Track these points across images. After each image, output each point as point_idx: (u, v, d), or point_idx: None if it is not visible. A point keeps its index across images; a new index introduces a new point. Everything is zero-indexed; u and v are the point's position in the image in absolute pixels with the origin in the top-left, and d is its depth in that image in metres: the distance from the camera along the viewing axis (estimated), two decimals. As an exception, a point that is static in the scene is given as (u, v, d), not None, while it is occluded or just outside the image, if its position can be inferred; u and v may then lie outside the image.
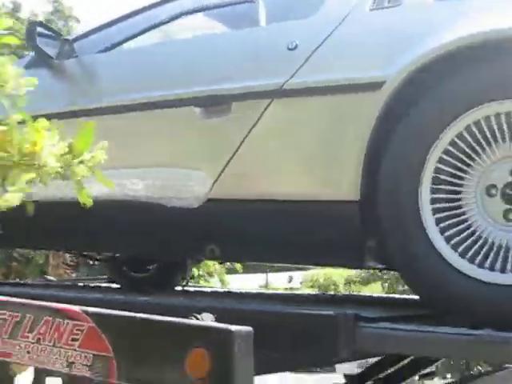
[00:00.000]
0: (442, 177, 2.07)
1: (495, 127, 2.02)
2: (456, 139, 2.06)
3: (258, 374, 1.62)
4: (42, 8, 20.37)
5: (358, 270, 18.64)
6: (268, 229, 2.45)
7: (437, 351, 1.99)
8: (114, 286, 4.01)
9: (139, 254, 3.27)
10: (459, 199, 2.07)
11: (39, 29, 3.11)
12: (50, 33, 3.20)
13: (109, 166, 1.73)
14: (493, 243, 2.01)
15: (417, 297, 2.16)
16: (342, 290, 18.32)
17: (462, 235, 2.04)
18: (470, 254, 2.01)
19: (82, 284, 4.21)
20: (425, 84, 2.10)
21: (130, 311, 1.79)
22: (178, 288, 3.93)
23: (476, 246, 2.02)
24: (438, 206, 2.07)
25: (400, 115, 2.12)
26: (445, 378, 11.64)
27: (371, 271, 17.91)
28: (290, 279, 20.92)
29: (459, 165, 2.06)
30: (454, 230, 2.05)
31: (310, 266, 15.78)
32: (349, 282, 19.54)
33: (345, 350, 1.82)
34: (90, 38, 3.20)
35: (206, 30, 3.13)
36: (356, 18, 2.39)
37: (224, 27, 3.12)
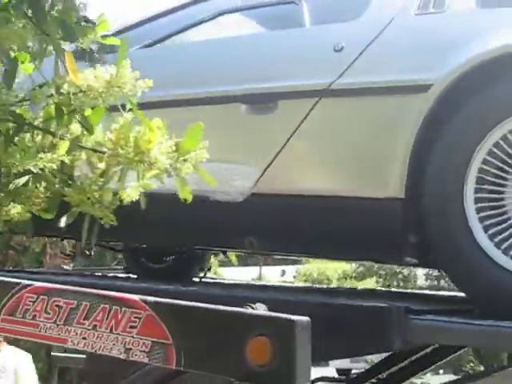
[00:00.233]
0: (487, 177, 2.15)
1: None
2: (500, 141, 2.14)
3: (314, 360, 1.70)
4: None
5: (354, 265, 18.58)
6: (310, 223, 2.53)
7: (481, 343, 2.07)
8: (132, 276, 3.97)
9: (183, 246, 3.31)
10: (502, 199, 2.15)
11: None
12: None
13: None
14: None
15: (460, 293, 2.24)
16: (335, 285, 18.25)
17: (505, 233, 2.12)
18: (513, 251, 2.09)
19: (110, 274, 4.24)
20: (471, 87, 2.17)
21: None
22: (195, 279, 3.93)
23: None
24: (481, 205, 2.14)
25: (446, 117, 2.20)
26: (437, 373, 11.67)
27: (367, 266, 17.84)
28: (283, 273, 20.78)
29: (502, 166, 2.14)
30: (498, 228, 2.12)
31: (304, 260, 15.54)
32: (344, 277, 19.45)
33: (396, 339, 1.91)
34: (127, 34, 3.25)
35: (246, 30, 3.19)
36: (401, 22, 2.46)
37: (265, 27, 3.18)
